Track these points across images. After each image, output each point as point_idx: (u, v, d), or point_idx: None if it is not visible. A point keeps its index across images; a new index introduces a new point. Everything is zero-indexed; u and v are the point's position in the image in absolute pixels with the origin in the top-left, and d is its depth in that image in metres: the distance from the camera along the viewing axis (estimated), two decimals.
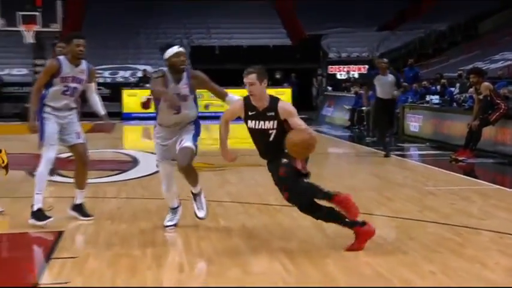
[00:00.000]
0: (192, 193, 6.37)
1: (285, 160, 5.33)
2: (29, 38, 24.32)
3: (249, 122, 5.57)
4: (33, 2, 25.32)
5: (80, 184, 6.83)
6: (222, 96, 6.52)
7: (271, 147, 5.52)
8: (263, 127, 5.47)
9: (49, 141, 6.50)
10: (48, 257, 5.39)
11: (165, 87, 5.91)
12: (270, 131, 5.48)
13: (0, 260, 5.67)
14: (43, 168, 6.49)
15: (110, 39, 31.33)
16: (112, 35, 31.59)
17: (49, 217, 6.38)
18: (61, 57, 6.65)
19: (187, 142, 6.01)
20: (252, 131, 5.62)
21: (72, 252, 5.62)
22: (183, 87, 6.06)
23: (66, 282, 4.73)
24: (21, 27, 24.44)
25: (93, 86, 6.94)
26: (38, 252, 5.62)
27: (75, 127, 6.75)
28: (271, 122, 5.46)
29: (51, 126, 6.52)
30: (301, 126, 5.44)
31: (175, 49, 6.06)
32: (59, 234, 6.10)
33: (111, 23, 32.18)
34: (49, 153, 6.50)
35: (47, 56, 21.66)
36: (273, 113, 5.45)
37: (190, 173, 6.12)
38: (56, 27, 24.84)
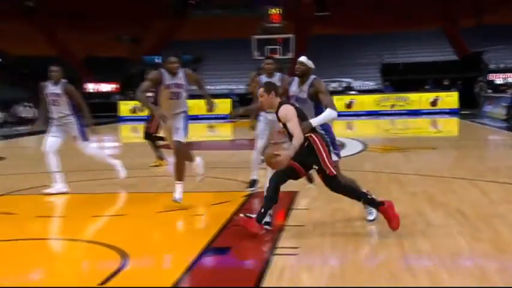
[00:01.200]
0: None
1: (315, 167, 4.43)
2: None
3: None
4: (277, 40, 26.96)
5: None
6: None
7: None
8: (281, 126, 4.65)
9: (259, 135, 6.55)
10: (289, 207, 5.51)
11: (286, 87, 5.20)
12: (283, 129, 4.61)
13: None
14: (254, 154, 6.55)
15: (324, 60, 31.55)
16: (326, 57, 31.78)
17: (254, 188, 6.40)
18: (261, 76, 6.60)
19: None
20: None
21: (305, 205, 5.71)
22: (303, 92, 5.08)
23: (302, 226, 4.83)
24: None
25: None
26: (283, 204, 5.75)
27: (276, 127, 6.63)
28: (280, 123, 4.64)
29: (261, 125, 6.55)
30: (294, 132, 4.40)
31: (300, 58, 5.11)
32: (296, 194, 6.19)
33: (325, 50, 32.38)
34: (258, 143, 6.54)
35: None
36: (277, 117, 4.62)
37: None
38: (289, 55, 25.86)
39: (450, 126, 19.26)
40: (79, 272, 3.96)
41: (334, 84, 30.00)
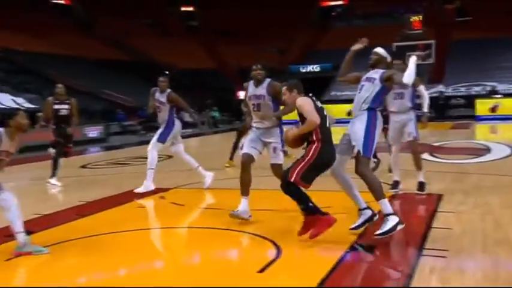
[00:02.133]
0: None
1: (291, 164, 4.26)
2: None
3: None
4: (417, 46, 25.90)
5: (418, 167, 6.16)
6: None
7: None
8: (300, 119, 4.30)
9: (393, 138, 6.29)
10: (435, 210, 5.16)
11: (360, 76, 4.73)
12: (300, 121, 4.30)
13: (407, 210, 5.65)
14: (392, 157, 6.34)
15: (466, 64, 29.40)
16: (468, 61, 29.57)
17: (425, 187, 6.06)
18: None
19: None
20: None
21: (450, 209, 5.27)
22: (373, 77, 4.59)
23: (449, 228, 4.47)
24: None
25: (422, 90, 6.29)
26: (428, 207, 5.43)
27: (407, 129, 6.10)
28: (299, 115, 4.29)
29: (391, 130, 6.23)
30: (307, 116, 4.19)
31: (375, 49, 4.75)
32: (440, 197, 5.81)
33: (467, 54, 30.12)
34: (393, 147, 6.27)
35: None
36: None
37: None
38: (430, 60, 24.67)
39: None
40: (240, 259, 4.13)
41: (477, 88, 27.74)
